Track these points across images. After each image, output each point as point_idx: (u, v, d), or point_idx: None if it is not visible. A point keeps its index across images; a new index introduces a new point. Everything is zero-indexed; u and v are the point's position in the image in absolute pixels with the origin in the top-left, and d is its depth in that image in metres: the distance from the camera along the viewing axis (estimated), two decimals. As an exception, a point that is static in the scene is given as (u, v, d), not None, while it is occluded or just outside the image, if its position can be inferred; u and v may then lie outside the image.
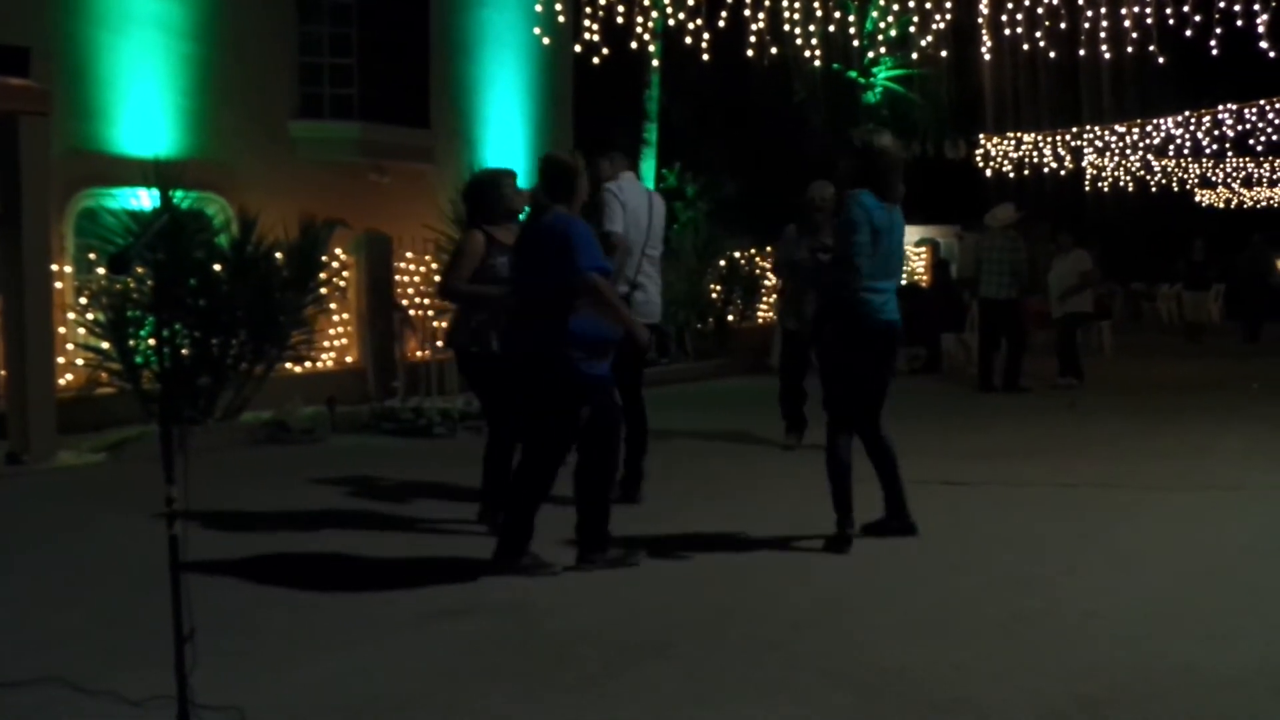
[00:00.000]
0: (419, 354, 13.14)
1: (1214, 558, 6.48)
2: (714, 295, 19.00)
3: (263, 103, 14.06)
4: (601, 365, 6.31)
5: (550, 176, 6.42)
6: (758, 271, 20.48)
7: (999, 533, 7.23)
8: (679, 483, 8.72)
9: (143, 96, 12.75)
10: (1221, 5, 16.18)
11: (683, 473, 9.13)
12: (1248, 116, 25.66)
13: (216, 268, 11.13)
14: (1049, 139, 28.63)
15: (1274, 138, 25.75)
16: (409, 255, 14.09)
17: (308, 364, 12.53)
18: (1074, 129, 28.11)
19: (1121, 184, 31.56)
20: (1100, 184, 31.84)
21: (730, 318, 19.38)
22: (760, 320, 20.49)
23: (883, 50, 23.72)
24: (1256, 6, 15.95)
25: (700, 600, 5.82)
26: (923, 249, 27.47)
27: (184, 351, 10.84)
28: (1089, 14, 16.42)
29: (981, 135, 28.44)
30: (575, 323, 6.15)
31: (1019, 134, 28.43)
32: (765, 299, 20.63)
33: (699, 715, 4.29)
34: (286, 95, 14.43)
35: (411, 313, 13.68)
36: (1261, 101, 25.06)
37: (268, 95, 14.15)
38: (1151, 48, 16.74)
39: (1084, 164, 29.58)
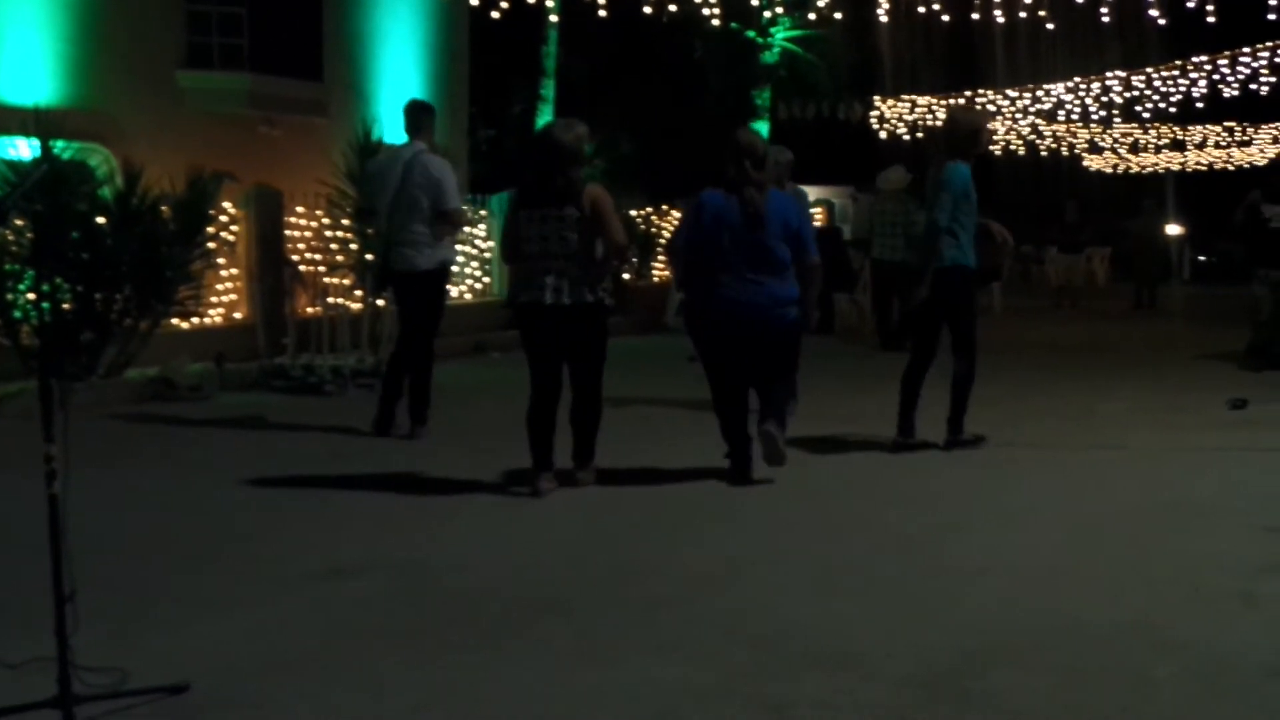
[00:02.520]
0: (310, 310, 12.95)
1: (1097, 516, 6.62)
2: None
3: (148, 51, 13.71)
4: None
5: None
6: (654, 230, 20.46)
7: (888, 492, 7.32)
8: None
9: (21, 43, 12.37)
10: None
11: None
12: (1135, 84, 26.11)
13: (100, 221, 10.86)
14: (943, 102, 28.91)
15: (1160, 105, 26.26)
16: (300, 210, 13.87)
17: (195, 320, 12.30)
18: (967, 93, 28.41)
19: (1013, 148, 32.01)
20: (992, 148, 32.23)
21: (626, 276, 19.37)
22: (656, 280, 20.50)
23: (780, 10, 23.74)
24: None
25: (600, 559, 5.82)
26: (818, 210, 27.68)
27: (65, 306, 10.56)
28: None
29: (877, 97, 28.64)
30: None
31: (914, 97, 28.68)
32: (662, 258, 20.64)
33: (596, 673, 4.29)
34: (173, 44, 14.09)
35: (303, 268, 13.48)
36: (1149, 69, 25.51)
37: (153, 44, 13.80)
38: (1043, 13, 16.97)
39: (977, 127, 29.84)
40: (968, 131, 8.40)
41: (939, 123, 28.70)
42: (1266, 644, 4.52)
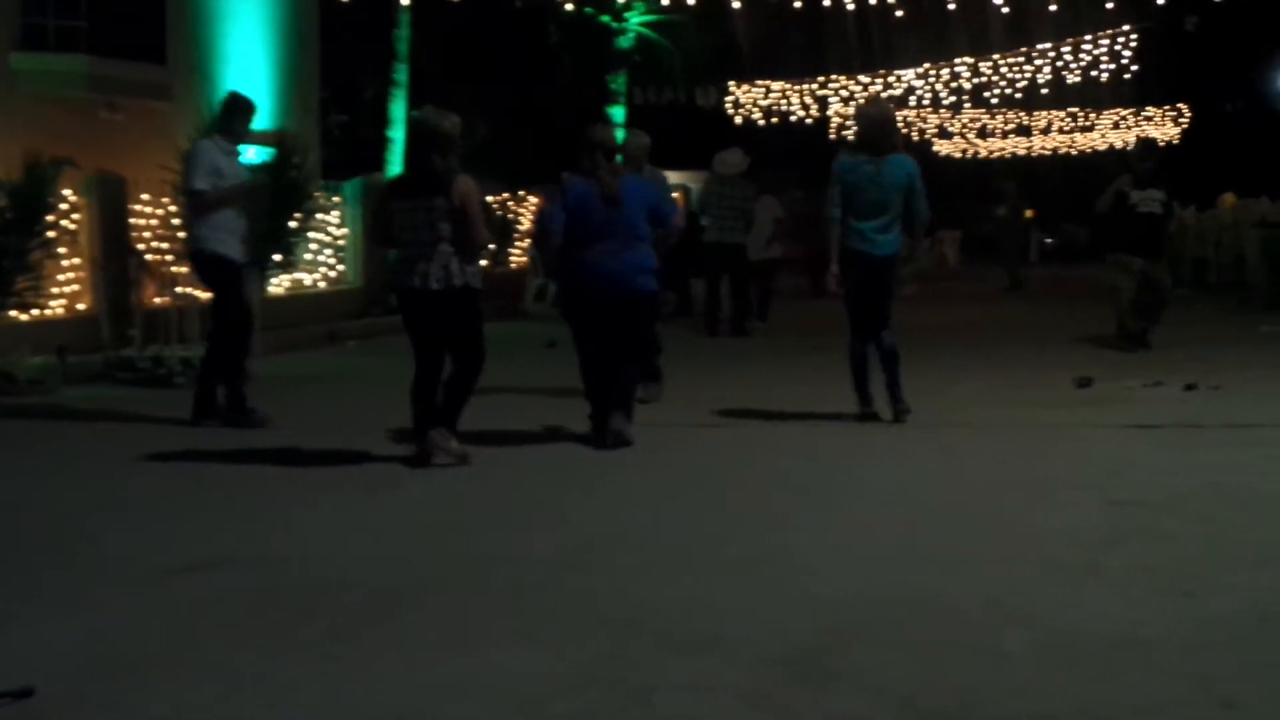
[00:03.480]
0: (158, 300, 12.62)
1: (949, 493, 6.74)
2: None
3: (-21, 33, 13.21)
4: None
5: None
6: (512, 217, 20.34)
7: (746, 472, 7.38)
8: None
9: None
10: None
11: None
12: (983, 71, 26.68)
13: (-69, 209, 10.45)
14: (797, 88, 29.24)
15: (1007, 91, 26.87)
16: (145, 197, 13.49)
17: (35, 311, 11.88)
18: (820, 78, 28.78)
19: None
20: (845, 133, 32.69)
21: (484, 263, 19.23)
22: (514, 266, 20.39)
23: (635, -5, 23.80)
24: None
25: (459, 546, 5.77)
26: (676, 195, 27.76)
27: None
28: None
29: (732, 83, 28.85)
30: None
31: (768, 82, 28.95)
32: (519, 244, 20.54)
33: (454, 663, 4.24)
34: (6, 25, 13.56)
35: (149, 258, 13.12)
36: (995, 56, 26.09)
37: (-14, 25, 13.30)
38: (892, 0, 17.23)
39: (830, 112, 30.33)
40: (878, 124, 8.80)
41: (794, 109, 29.07)
42: (1113, 614, 4.64)
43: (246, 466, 7.61)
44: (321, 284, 16.18)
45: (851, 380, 8.90)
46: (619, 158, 8.48)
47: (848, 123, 31.71)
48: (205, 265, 9.12)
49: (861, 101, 7.83)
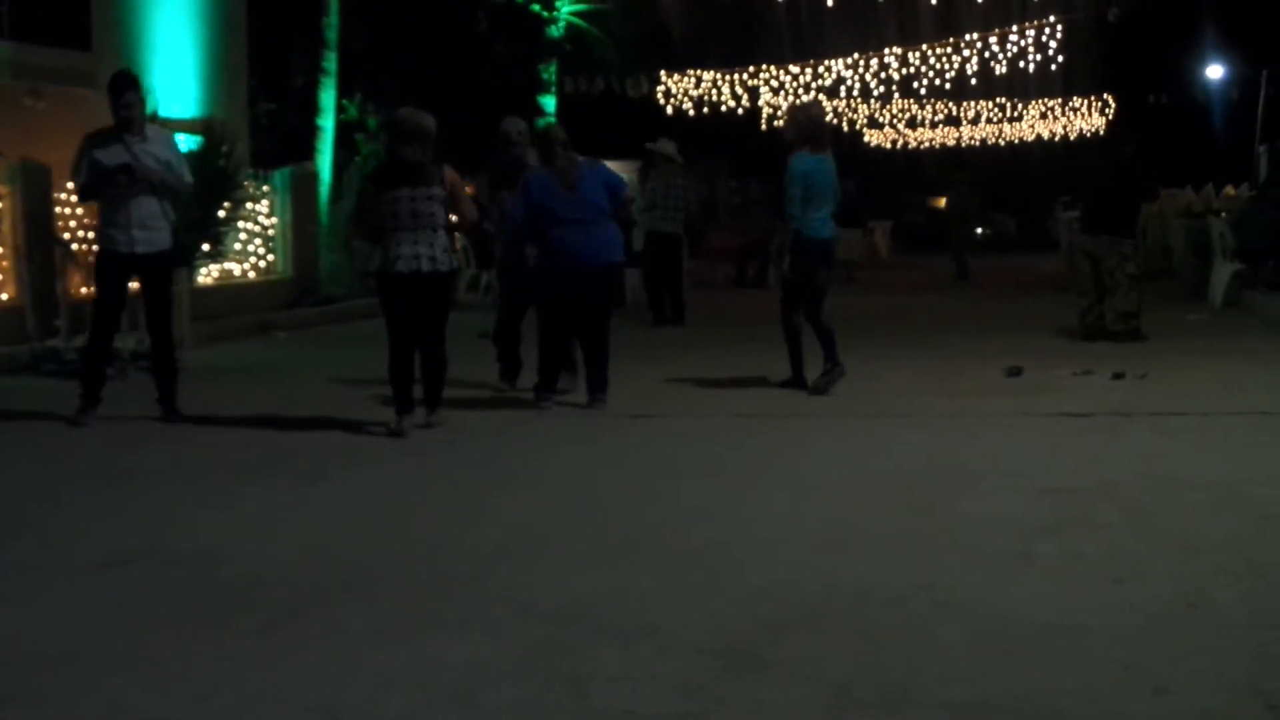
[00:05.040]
0: (84, 290, 12.41)
1: (883, 482, 6.78)
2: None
3: (-101, 18, 12.92)
4: None
5: None
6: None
7: (680, 462, 7.38)
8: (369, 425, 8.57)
9: None
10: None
11: (367, 421, 8.97)
12: (911, 61, 26.85)
13: None
14: (727, 78, 29.28)
15: (935, 81, 27.06)
16: (71, 186, 13.25)
17: (-42, 302, 11.67)
18: (750, 68, 28.83)
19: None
20: (776, 123, 32.79)
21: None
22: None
23: (566, -16, 23.73)
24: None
25: (392, 537, 5.74)
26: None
27: None
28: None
29: (663, 72, 28.83)
30: None
31: (699, 72, 28.97)
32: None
33: (388, 654, 4.21)
34: (-73, 10, 13.31)
35: (75, 247, 12.90)
36: (924, 46, 26.26)
37: (-96, 10, 13.01)
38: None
39: (761, 103, 30.41)
40: (808, 124, 9.78)
41: (724, 99, 29.13)
42: (1044, 602, 4.69)
43: (175, 458, 7.52)
44: (251, 274, 15.99)
45: (788, 353, 9.87)
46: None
47: (778, 113, 31.88)
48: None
49: (798, 100, 8.40)
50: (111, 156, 8.58)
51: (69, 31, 14.50)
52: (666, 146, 15.92)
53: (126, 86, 8.71)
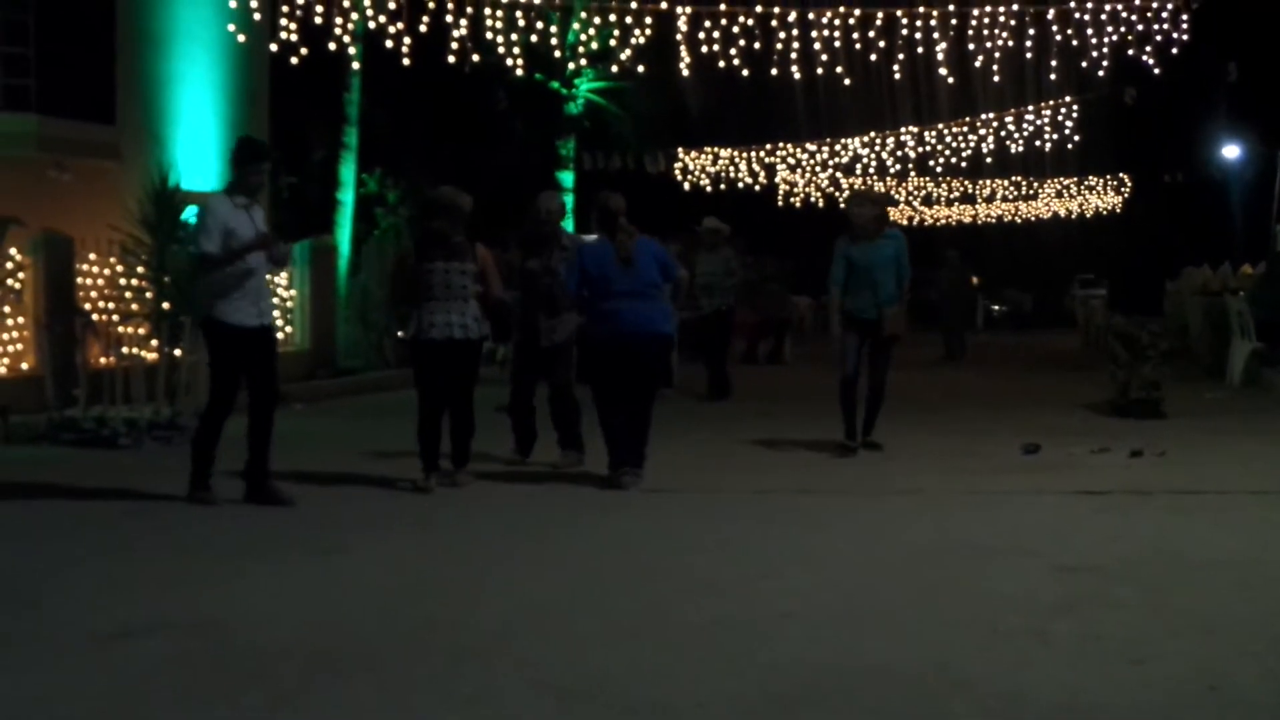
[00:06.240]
0: (103, 360, 12.48)
1: (895, 559, 6.74)
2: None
3: (-73, 91, 13.11)
4: None
5: None
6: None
7: (693, 538, 7.34)
8: (384, 495, 8.55)
9: None
10: (904, 33, 17.00)
11: (383, 492, 8.97)
12: (928, 139, 27.02)
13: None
14: (744, 154, 29.50)
15: (952, 160, 27.22)
16: (93, 257, 13.39)
17: (-23, 371, 11.74)
18: (767, 145, 29.06)
19: (812, 200, 32.78)
20: (792, 199, 33.00)
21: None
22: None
23: (584, 62, 23.94)
24: (935, 35, 16.82)
25: (404, 610, 5.70)
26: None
27: None
28: (781, 35, 17.03)
29: (680, 149, 29.06)
30: None
31: (716, 149, 29.20)
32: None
33: (397, 730, 4.17)
34: (-45, 84, 13.51)
35: (96, 317, 13.00)
36: (940, 125, 26.44)
37: (-66, 84, 13.21)
38: (839, 69, 17.45)
39: (777, 179, 30.60)
40: (867, 217, 10.51)
41: (741, 176, 29.30)
42: (1061, 682, 4.63)
43: (189, 530, 7.51)
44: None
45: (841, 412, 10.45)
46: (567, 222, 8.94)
47: (794, 190, 32.08)
48: (206, 331, 8.46)
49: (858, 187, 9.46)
50: (243, 226, 8.12)
51: (94, 105, 14.70)
52: (711, 222, 16.37)
53: (263, 155, 8.50)
